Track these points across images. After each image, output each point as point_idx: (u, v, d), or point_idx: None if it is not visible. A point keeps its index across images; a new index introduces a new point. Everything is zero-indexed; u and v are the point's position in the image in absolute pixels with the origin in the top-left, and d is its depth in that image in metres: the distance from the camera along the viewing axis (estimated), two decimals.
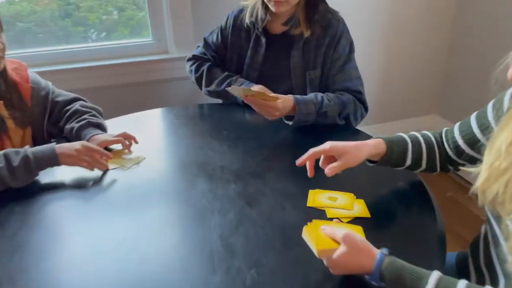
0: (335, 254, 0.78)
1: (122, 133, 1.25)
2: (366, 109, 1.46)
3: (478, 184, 0.79)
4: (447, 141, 1.02)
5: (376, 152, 1.00)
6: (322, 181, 1.12)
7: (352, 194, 1.05)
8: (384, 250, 0.78)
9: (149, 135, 1.38)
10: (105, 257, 0.88)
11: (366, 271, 0.78)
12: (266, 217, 0.99)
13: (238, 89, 1.34)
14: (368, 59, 2.39)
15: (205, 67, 1.55)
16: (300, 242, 0.90)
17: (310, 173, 0.99)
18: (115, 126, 1.39)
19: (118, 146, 1.26)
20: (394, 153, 1.00)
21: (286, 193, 1.07)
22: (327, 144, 0.99)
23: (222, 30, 1.57)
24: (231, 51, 1.55)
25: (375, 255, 0.77)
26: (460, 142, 0.98)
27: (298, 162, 1.00)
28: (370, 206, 1.01)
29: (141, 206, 1.03)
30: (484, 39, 2.33)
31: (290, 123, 1.38)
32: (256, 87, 1.38)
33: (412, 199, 1.06)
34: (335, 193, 1.06)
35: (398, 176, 1.12)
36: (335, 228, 0.82)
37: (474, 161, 0.99)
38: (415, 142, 1.02)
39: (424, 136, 1.04)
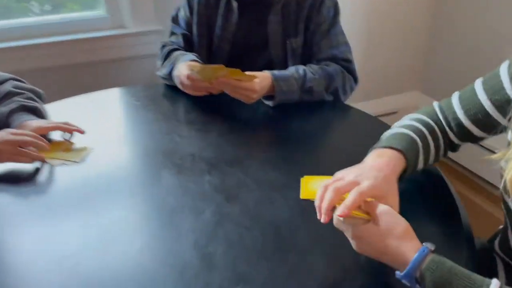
0: (368, 226, 0.62)
1: (63, 122, 1.01)
2: (355, 80, 1.27)
3: (509, 176, 0.63)
4: (447, 123, 0.82)
5: (400, 170, 0.75)
6: (314, 166, 0.94)
7: None
8: (429, 245, 0.60)
9: (103, 120, 1.15)
10: (42, 278, 0.67)
11: (399, 264, 0.60)
12: (252, 215, 0.79)
13: (205, 69, 1.11)
14: (348, 35, 2.22)
15: (165, 51, 1.31)
16: (297, 246, 0.72)
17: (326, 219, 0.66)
18: (59, 109, 1.16)
19: (57, 136, 1.03)
20: (410, 162, 0.76)
21: (273, 183, 0.88)
22: (366, 184, 0.66)
23: (189, 0, 1.34)
24: (199, 23, 1.32)
25: (416, 247, 0.60)
26: (468, 124, 0.79)
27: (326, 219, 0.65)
28: None
29: (90, 208, 0.82)
30: (467, 16, 2.22)
31: (271, 103, 1.18)
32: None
33: (425, 185, 0.88)
34: (331, 178, 0.87)
35: None
36: (377, 203, 0.65)
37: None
38: (423, 139, 0.80)
39: (426, 126, 0.82)
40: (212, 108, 1.18)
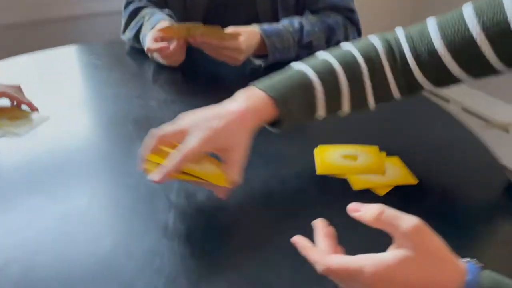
0: (388, 258, 0.41)
1: (13, 86, 0.80)
2: (359, 32, 1.09)
3: None
4: (416, 56, 0.61)
5: (262, 120, 0.59)
6: (326, 132, 0.76)
7: (377, 147, 0.70)
8: (474, 261, 0.42)
9: (57, 82, 0.92)
10: None
11: None
12: (260, 198, 0.61)
13: (178, 29, 0.89)
14: None
15: (130, 10, 1.07)
16: None
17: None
18: (3, 71, 0.94)
19: (5, 102, 0.81)
20: (284, 113, 0.60)
21: (281, 158, 0.70)
22: (196, 138, 0.54)
23: None
24: None
25: (462, 267, 0.42)
26: (448, 59, 0.58)
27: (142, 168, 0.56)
28: (411, 167, 0.66)
29: (42, 194, 0.61)
30: None
31: (262, 62, 0.99)
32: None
33: (466, 151, 0.73)
34: (352, 147, 0.70)
35: (437, 116, 0.79)
36: (396, 212, 0.45)
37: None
38: (328, 84, 0.61)
39: (348, 65, 0.62)
40: (194, 66, 0.97)
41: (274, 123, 0.61)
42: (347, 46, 0.65)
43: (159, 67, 0.97)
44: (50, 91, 0.87)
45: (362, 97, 0.63)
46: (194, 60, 0.96)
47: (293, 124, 0.62)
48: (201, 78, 0.94)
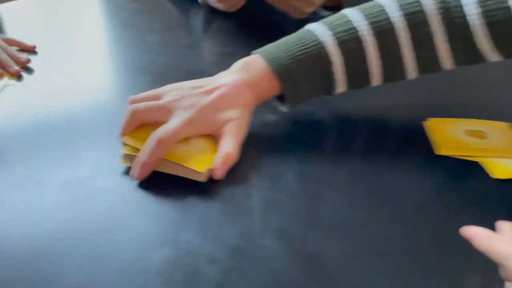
0: None
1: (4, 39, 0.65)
2: None
3: None
4: (484, 15, 0.46)
5: (262, 96, 0.51)
6: (433, 101, 0.60)
7: (508, 124, 0.53)
8: None
9: (82, 30, 0.76)
10: None
11: None
12: (366, 184, 0.45)
13: None
14: None
15: None
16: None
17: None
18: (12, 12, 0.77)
19: None
20: (288, 89, 0.50)
21: (381, 131, 0.53)
22: (178, 118, 0.45)
23: None
24: None
25: None
26: None
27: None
28: None
29: (40, 164, 0.46)
30: None
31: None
32: None
33: None
34: (473, 122, 0.54)
35: None
36: None
37: None
38: (351, 51, 0.49)
39: (381, 30, 0.49)
40: (250, 14, 0.80)
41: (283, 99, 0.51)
42: (384, 2, 0.50)
43: (209, 13, 0.79)
44: (72, 41, 0.71)
45: (398, 70, 0.50)
46: (250, 5, 0.78)
47: (304, 101, 0.52)
48: (258, 29, 0.77)
